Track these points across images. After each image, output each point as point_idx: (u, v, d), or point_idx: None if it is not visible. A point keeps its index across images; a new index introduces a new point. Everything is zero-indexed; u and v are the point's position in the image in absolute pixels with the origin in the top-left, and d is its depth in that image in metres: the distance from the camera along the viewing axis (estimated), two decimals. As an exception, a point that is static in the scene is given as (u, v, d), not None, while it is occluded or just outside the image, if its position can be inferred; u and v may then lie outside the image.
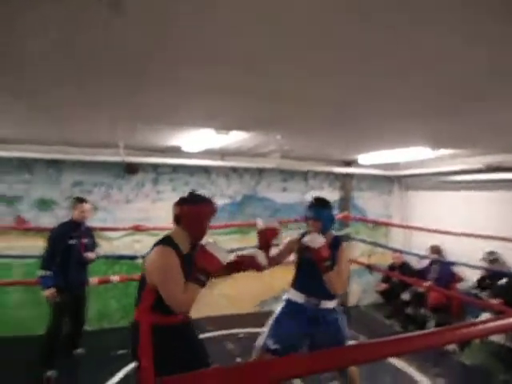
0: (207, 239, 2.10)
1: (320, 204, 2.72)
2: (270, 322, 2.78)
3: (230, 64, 1.73)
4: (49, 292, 3.49)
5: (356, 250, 6.25)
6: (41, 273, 3.53)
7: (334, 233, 2.83)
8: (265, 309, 5.72)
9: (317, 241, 2.45)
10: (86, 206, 3.83)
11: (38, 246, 4.56)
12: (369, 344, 1.66)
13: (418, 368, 3.92)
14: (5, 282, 4.48)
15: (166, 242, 2.01)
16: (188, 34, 1.40)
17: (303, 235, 2.67)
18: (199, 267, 1.93)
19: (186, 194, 2.18)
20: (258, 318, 5.13)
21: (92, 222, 4.85)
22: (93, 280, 4.53)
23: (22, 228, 4.64)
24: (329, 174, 6.28)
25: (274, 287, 5.69)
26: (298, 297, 2.74)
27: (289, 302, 2.78)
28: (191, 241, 2.09)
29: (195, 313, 2.11)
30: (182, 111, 2.75)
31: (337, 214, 6.20)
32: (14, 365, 3.73)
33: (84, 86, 2.11)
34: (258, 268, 2.37)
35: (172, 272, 1.91)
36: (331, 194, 6.35)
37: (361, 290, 6.47)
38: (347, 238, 6.12)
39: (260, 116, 2.87)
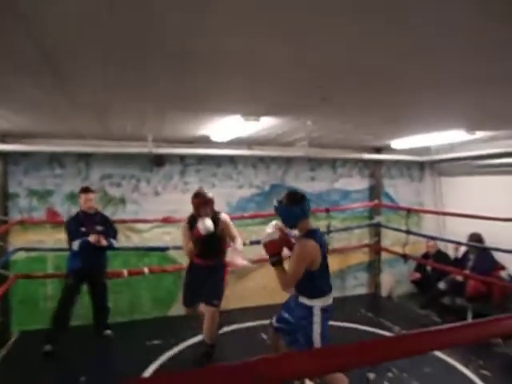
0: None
1: (279, 200, 2.70)
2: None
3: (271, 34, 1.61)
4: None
5: (386, 239, 6.09)
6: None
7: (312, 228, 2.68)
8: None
9: (265, 237, 2.61)
10: (90, 196, 3.97)
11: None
12: (408, 336, 1.41)
13: (461, 360, 3.76)
14: (39, 274, 4.57)
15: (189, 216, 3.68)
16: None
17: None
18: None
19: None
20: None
21: (123, 214, 4.90)
22: (123, 271, 4.62)
23: (53, 221, 4.69)
24: (358, 162, 6.11)
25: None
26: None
27: None
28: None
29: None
30: (213, 96, 2.67)
31: (363, 201, 6.05)
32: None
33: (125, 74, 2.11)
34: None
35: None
36: (361, 182, 6.19)
37: (393, 280, 6.30)
38: (379, 225, 5.97)
39: (293, 99, 2.76)
